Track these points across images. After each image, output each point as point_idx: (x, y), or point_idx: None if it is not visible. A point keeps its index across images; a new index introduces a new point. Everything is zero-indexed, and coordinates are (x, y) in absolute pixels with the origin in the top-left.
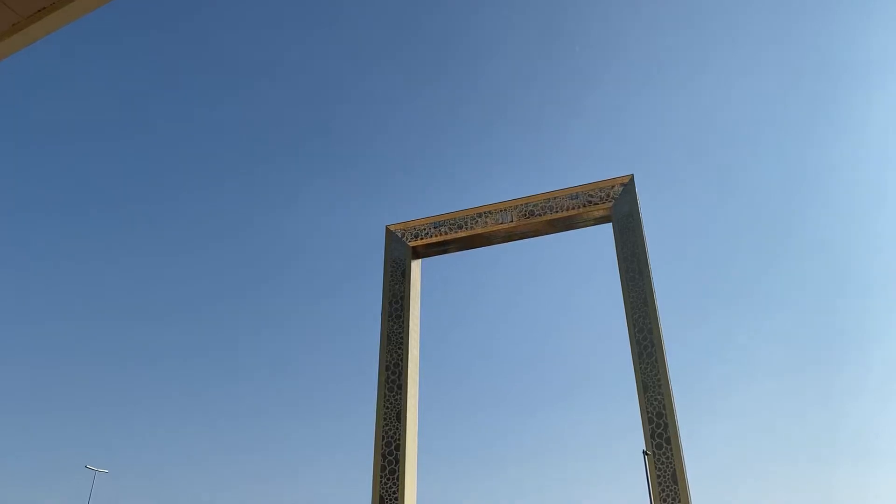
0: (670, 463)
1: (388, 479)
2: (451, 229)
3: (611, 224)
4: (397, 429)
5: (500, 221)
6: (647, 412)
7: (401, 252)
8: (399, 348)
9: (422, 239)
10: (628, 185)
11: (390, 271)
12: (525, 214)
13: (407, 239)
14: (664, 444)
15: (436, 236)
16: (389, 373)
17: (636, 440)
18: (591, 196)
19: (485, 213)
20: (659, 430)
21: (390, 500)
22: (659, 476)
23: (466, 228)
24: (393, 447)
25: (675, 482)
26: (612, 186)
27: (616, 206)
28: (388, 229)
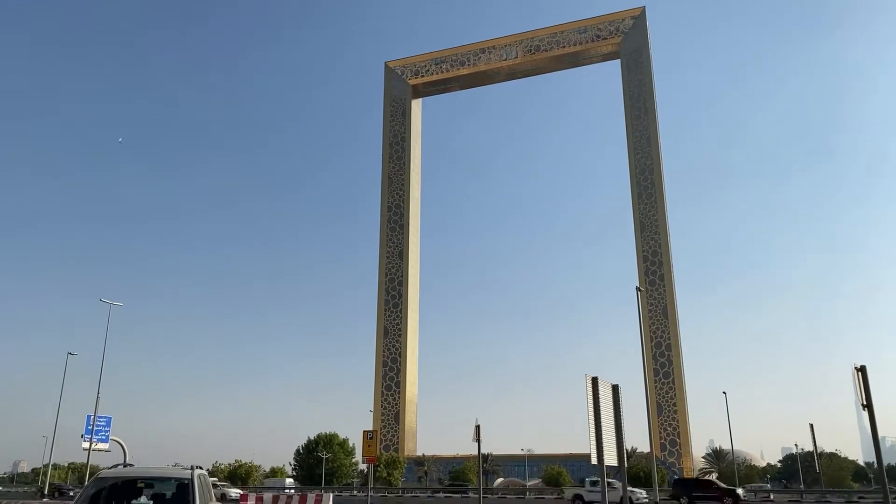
0: (662, 299)
1: (392, 312)
2: (452, 66)
3: (618, 61)
4: (400, 266)
5: (504, 57)
6: (643, 251)
7: (401, 90)
8: (400, 189)
9: (422, 77)
10: (639, 18)
11: (390, 111)
12: (530, 50)
13: (407, 77)
14: (657, 282)
15: (437, 74)
16: (391, 213)
17: (632, 278)
18: (600, 30)
19: (488, 48)
20: (653, 269)
21: (394, 331)
22: (650, 311)
23: (469, 65)
24: (396, 283)
25: (666, 316)
26: (623, 20)
27: (625, 42)
28: (387, 66)
